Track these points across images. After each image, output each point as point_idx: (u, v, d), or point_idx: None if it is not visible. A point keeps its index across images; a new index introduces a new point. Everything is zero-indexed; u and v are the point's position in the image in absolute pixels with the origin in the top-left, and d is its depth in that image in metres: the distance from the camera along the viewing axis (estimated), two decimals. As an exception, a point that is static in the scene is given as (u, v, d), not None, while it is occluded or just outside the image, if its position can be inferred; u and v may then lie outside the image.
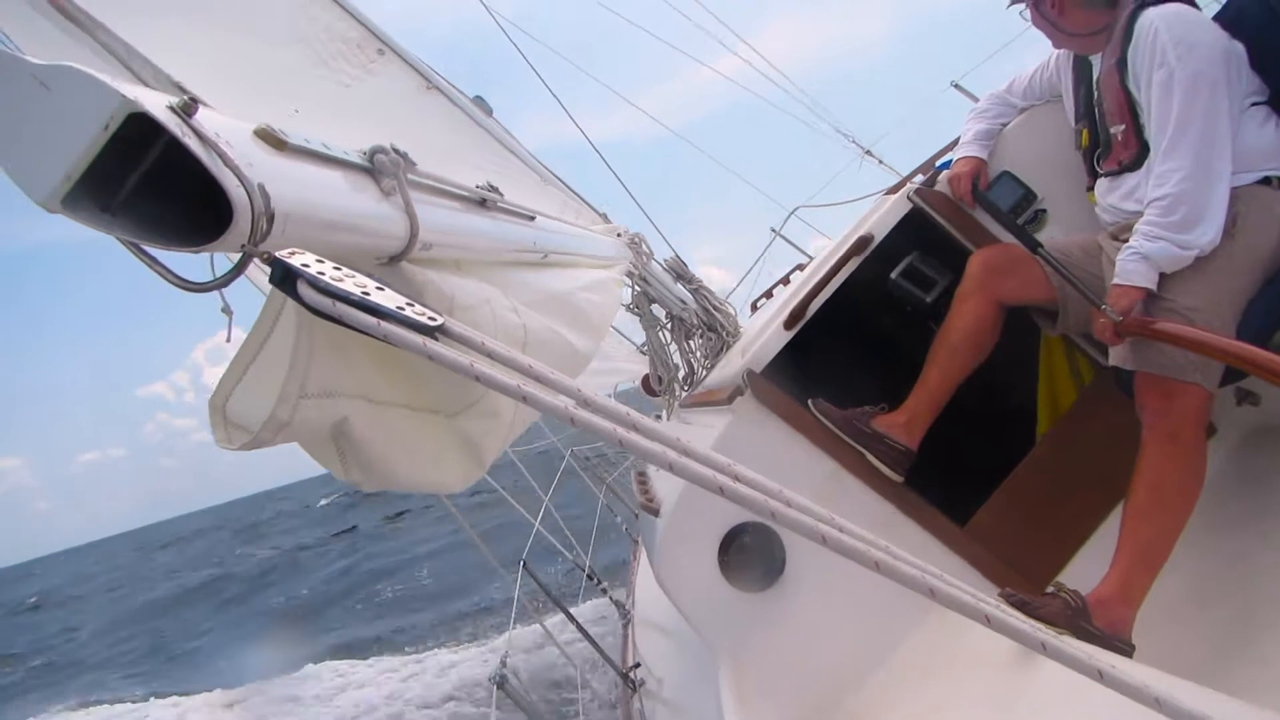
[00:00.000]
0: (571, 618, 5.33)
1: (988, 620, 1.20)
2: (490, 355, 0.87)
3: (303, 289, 0.81)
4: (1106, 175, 2.82)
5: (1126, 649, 2.30)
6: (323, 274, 0.83)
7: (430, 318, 0.86)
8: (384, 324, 0.81)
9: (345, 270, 0.86)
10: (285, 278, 0.83)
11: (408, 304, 0.87)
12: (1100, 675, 1.26)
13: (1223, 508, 2.72)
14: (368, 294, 0.84)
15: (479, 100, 4.10)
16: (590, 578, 6.87)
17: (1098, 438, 2.94)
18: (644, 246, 3.44)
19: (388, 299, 0.85)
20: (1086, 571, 2.56)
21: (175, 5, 3.08)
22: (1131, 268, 2.49)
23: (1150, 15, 2.53)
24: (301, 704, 9.95)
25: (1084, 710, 1.23)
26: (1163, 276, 2.50)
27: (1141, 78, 2.56)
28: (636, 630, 6.02)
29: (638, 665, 4.99)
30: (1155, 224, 2.47)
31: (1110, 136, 2.76)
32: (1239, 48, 2.54)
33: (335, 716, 9.13)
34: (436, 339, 0.85)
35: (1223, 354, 2.14)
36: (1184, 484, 2.43)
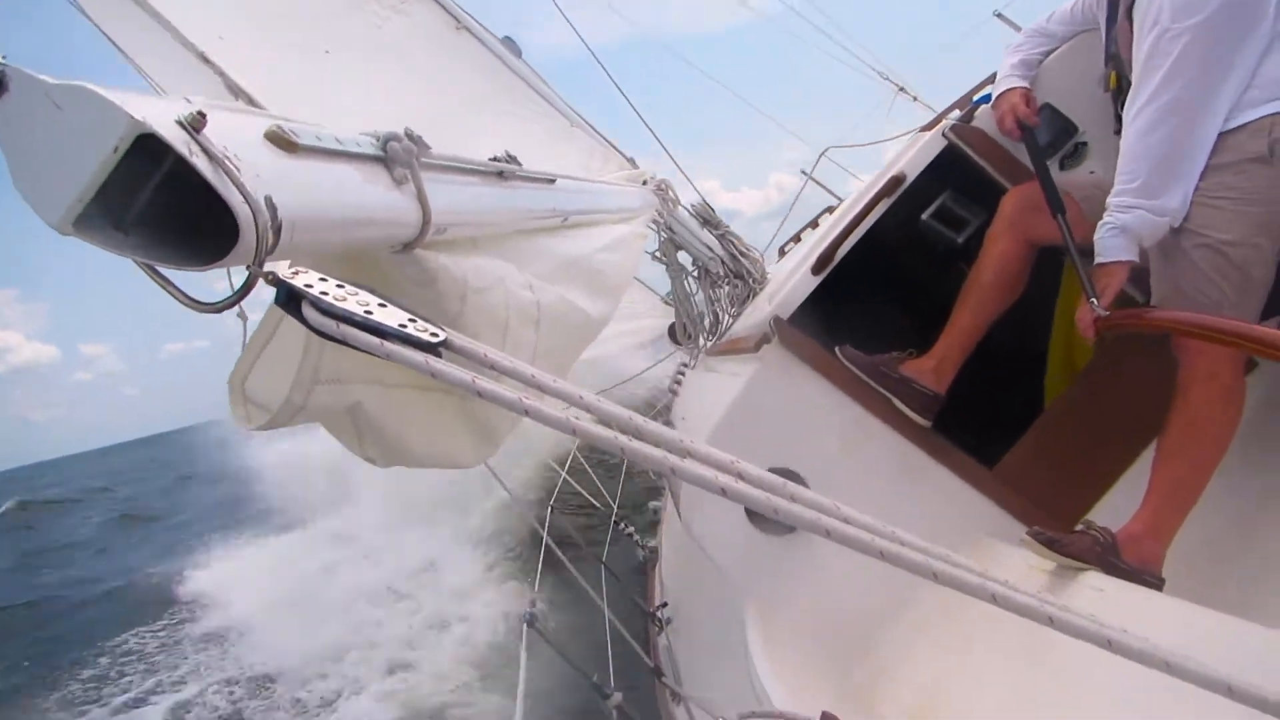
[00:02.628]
0: (599, 558, 5.44)
1: (994, 598, 1.23)
2: (494, 367, 0.89)
3: (307, 311, 0.83)
4: None
5: (1156, 583, 2.31)
6: (326, 294, 0.85)
7: (433, 334, 0.88)
8: (386, 344, 0.83)
9: (348, 288, 0.88)
10: (290, 299, 0.85)
11: (410, 320, 0.89)
12: (1109, 644, 1.28)
13: (1262, 441, 2.69)
14: (370, 313, 0.86)
15: (508, 41, 4.07)
16: (617, 522, 6.98)
17: (1131, 378, 2.91)
18: (670, 193, 3.40)
19: (390, 316, 0.87)
20: (1117, 511, 2.56)
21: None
22: (1111, 243, 2.43)
23: None
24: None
25: (1111, 657, 1.26)
26: (1196, 207, 2.42)
27: (1140, 32, 2.46)
28: (664, 571, 6.15)
29: (664, 605, 5.10)
30: (1124, 191, 2.41)
31: (1130, 83, 2.68)
32: None
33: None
34: (440, 354, 0.87)
35: (1219, 335, 2.07)
36: (1221, 421, 2.40)
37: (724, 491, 0.93)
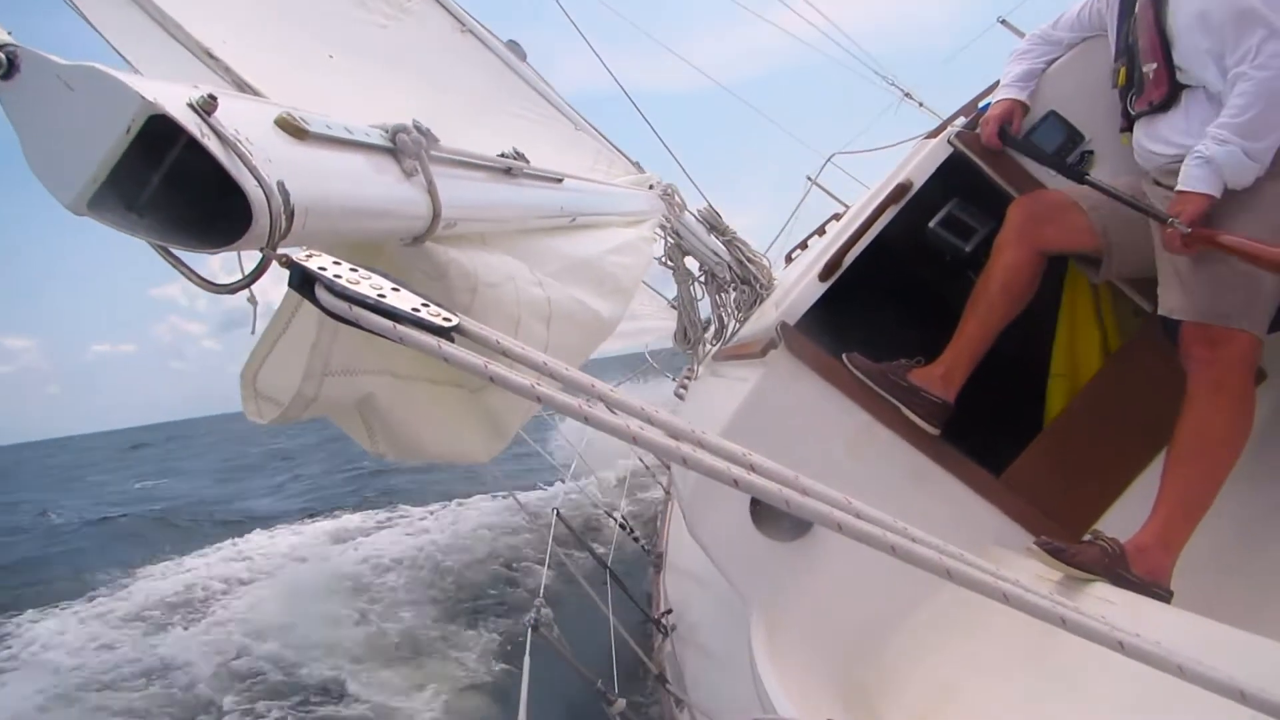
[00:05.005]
0: (604, 564, 5.43)
1: (1005, 598, 1.21)
2: (506, 353, 0.88)
3: (320, 293, 0.83)
4: (1139, 116, 2.74)
5: (1165, 595, 2.30)
6: (339, 277, 0.85)
7: (445, 318, 0.87)
8: (400, 327, 0.83)
9: (362, 271, 0.88)
10: (303, 281, 0.84)
11: (423, 304, 0.89)
12: (1121, 646, 1.27)
13: (1272, 453, 2.68)
14: (383, 296, 0.85)
15: (513, 44, 4.08)
16: (622, 526, 6.97)
17: (1140, 386, 2.90)
18: (677, 198, 3.40)
19: (403, 300, 0.87)
20: (1125, 521, 2.55)
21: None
22: (1195, 172, 2.39)
23: None
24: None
25: (1116, 666, 1.25)
26: (1244, 196, 2.40)
27: None
28: (668, 577, 6.13)
29: (669, 611, 5.08)
30: (1226, 125, 2.36)
31: (1143, 75, 2.67)
32: None
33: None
34: (452, 339, 0.86)
35: None
36: (1229, 432, 2.40)
37: (736, 483, 0.92)
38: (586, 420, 0.85)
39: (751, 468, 0.96)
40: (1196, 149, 2.40)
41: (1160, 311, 2.57)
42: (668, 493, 8.00)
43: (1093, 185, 2.74)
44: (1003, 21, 9.59)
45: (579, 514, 8.54)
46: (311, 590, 10.46)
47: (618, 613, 4.37)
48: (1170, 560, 2.36)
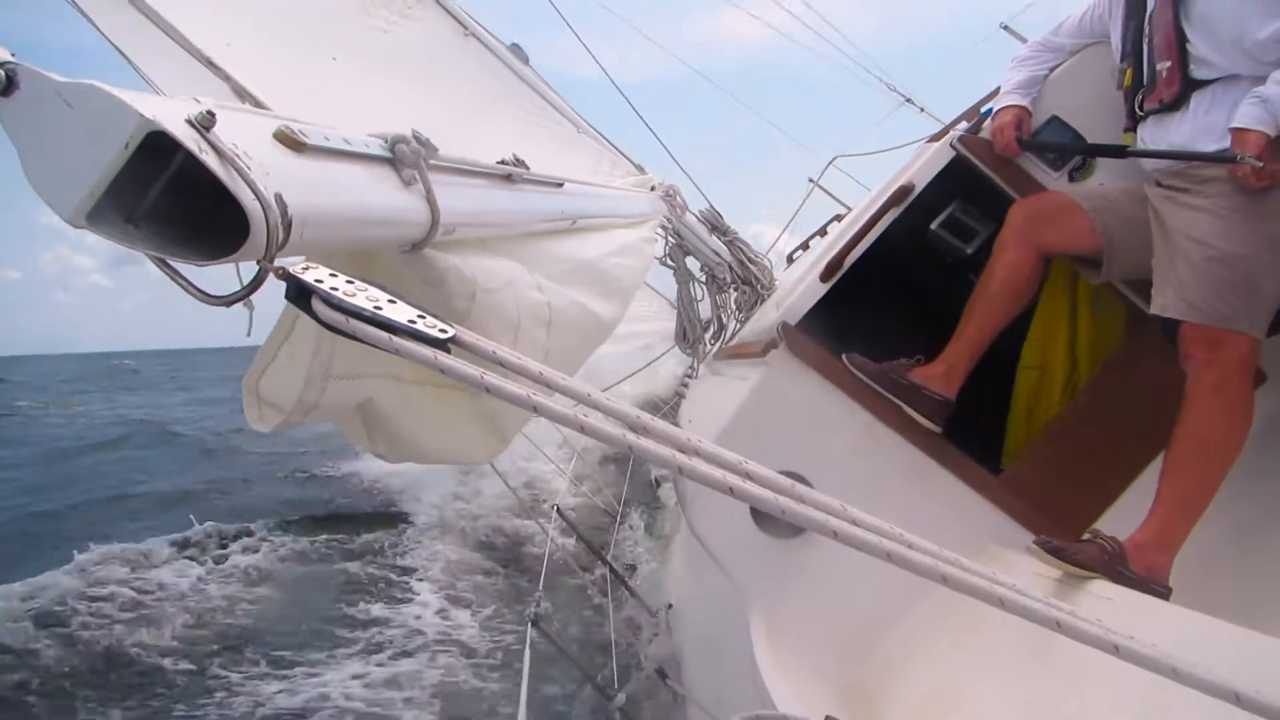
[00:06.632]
0: (604, 559, 5.43)
1: (1002, 603, 1.22)
2: (502, 364, 0.89)
3: (317, 305, 0.84)
4: (1147, 115, 2.75)
5: (1163, 591, 2.31)
6: (336, 289, 0.86)
7: (441, 330, 0.88)
8: (395, 339, 0.84)
9: (359, 283, 0.89)
10: (300, 294, 0.85)
11: (419, 316, 0.90)
12: (1116, 650, 1.27)
13: (1270, 453, 2.69)
14: (380, 308, 0.86)
15: (515, 48, 4.09)
16: (622, 521, 6.96)
17: (1140, 387, 2.91)
18: (678, 199, 3.41)
19: (400, 312, 0.88)
20: (1124, 521, 2.56)
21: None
22: (1250, 111, 2.38)
23: None
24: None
25: (1116, 663, 1.26)
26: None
27: None
28: (669, 572, 6.13)
29: (669, 606, 5.10)
30: None
31: (1155, 74, 2.68)
32: None
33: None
34: (449, 350, 0.87)
35: None
36: (1228, 434, 2.41)
37: (731, 491, 0.93)
38: (582, 429, 0.86)
39: (748, 475, 0.97)
40: (1255, 90, 2.40)
41: (1153, 310, 2.58)
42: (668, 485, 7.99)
43: (1133, 154, 2.76)
44: (1005, 27, 9.59)
45: (578, 507, 8.49)
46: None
47: (618, 608, 4.37)
48: (1168, 558, 2.37)
